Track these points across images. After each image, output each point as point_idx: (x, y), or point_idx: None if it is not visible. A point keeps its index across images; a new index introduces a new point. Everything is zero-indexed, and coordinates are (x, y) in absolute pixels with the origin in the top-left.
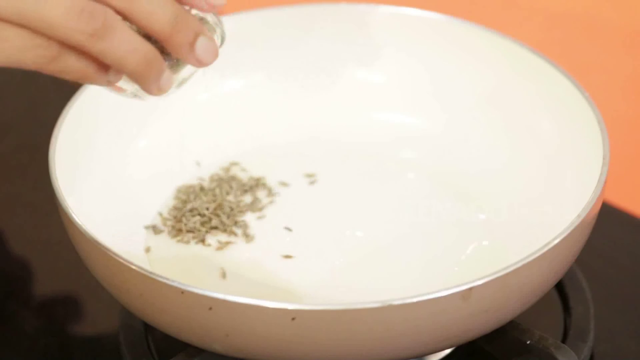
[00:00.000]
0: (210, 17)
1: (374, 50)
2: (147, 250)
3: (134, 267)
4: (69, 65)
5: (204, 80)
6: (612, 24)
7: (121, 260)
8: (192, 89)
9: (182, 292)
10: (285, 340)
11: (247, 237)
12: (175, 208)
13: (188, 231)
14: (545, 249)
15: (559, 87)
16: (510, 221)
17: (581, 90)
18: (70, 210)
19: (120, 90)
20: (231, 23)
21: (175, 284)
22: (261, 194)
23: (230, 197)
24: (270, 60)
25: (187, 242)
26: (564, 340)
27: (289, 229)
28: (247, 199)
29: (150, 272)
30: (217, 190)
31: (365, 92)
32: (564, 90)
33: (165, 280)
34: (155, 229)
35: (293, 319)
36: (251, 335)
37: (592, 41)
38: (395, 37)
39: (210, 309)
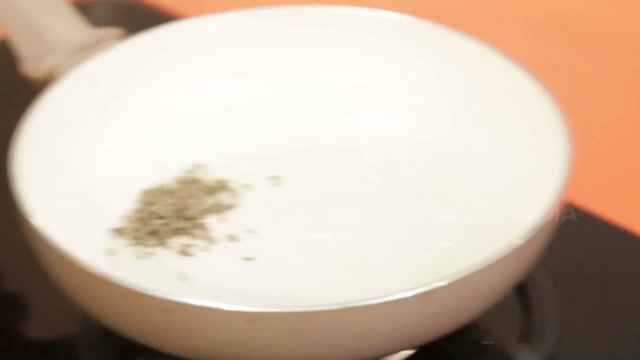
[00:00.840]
0: None
1: (341, 53)
2: (109, 253)
3: (92, 270)
4: None
5: (168, 83)
6: (579, 26)
7: (80, 263)
8: (157, 90)
9: (141, 295)
10: (244, 342)
11: (209, 239)
12: (138, 210)
13: (150, 234)
14: (506, 251)
15: (525, 89)
16: (473, 223)
17: (547, 92)
18: (28, 213)
19: None
20: (198, 26)
21: (133, 287)
22: (224, 196)
23: (194, 200)
24: (236, 63)
25: (149, 245)
26: (524, 341)
27: (251, 232)
28: (210, 201)
29: (109, 275)
30: (181, 193)
31: (331, 94)
32: (530, 93)
33: (123, 283)
34: (117, 232)
35: (251, 321)
36: (210, 338)
37: (558, 44)
38: (364, 39)
39: (169, 312)
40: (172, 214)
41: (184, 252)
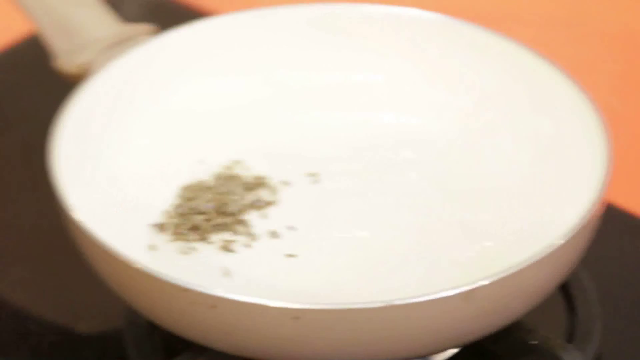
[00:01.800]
0: None
1: (374, 51)
2: (151, 248)
3: (136, 265)
4: None
5: (204, 78)
6: (612, 25)
7: (123, 258)
8: (192, 86)
9: (185, 290)
10: (287, 339)
11: (251, 235)
12: (179, 206)
13: (192, 229)
14: (548, 250)
15: (559, 87)
16: (513, 222)
17: (582, 90)
18: (69, 208)
19: None
20: (232, 22)
21: (178, 282)
22: (264, 192)
23: (233, 196)
24: (271, 61)
25: (191, 240)
26: (569, 341)
27: (292, 228)
28: (250, 197)
29: (153, 270)
30: (220, 189)
31: (367, 92)
32: (565, 91)
33: (168, 279)
34: (159, 227)
35: (296, 318)
36: (254, 334)
37: (592, 42)
38: (394, 38)
39: (213, 307)
40: (213, 210)
41: (226, 247)
